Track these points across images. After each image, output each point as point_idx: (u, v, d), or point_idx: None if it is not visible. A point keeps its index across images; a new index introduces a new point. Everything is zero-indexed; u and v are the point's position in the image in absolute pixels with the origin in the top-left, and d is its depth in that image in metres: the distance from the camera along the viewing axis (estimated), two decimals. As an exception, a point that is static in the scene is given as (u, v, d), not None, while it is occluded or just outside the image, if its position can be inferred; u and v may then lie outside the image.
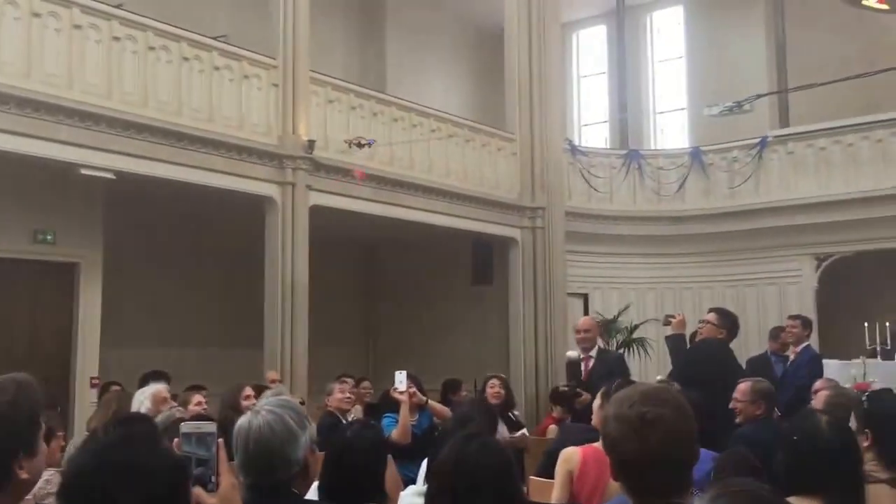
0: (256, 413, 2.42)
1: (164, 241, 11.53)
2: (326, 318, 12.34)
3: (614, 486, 3.52)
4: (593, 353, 7.72)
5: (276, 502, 2.19)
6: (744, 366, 8.33)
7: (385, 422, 6.74)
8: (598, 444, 3.76)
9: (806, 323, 8.44)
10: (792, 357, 8.38)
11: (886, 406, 3.33)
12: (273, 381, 8.54)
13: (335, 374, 9.09)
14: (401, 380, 6.58)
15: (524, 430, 7.86)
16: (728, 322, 6.93)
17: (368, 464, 3.00)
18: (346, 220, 11.42)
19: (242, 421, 2.41)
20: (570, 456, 3.76)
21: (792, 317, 8.70)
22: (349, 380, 9.36)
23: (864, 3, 15.98)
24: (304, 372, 9.96)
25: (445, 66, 16.08)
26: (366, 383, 10.23)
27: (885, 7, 15.81)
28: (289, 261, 9.99)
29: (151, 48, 9.07)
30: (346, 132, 10.99)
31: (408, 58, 15.11)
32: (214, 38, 9.86)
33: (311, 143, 10.18)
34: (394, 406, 6.79)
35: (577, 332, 7.89)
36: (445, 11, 15.69)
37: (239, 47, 10.01)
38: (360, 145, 10.56)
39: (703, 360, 6.61)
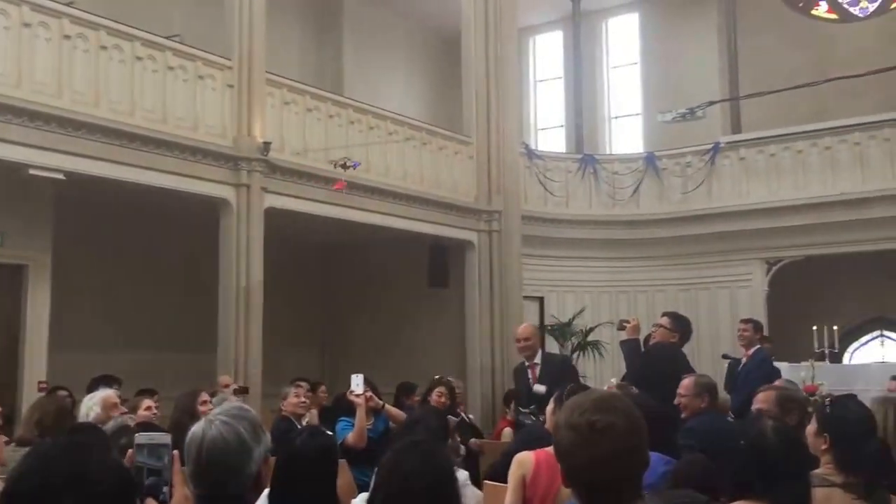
0: (210, 423, 2.33)
1: (116, 243, 11.33)
2: (282, 322, 12.26)
3: (566, 491, 3.56)
4: (538, 359, 7.60)
5: None
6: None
7: (340, 426, 6.70)
8: (550, 448, 3.78)
9: (757, 326, 8.55)
10: (744, 360, 8.43)
11: (849, 412, 3.37)
12: (226, 386, 8.44)
13: (291, 378, 9.03)
14: (357, 383, 6.54)
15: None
16: (681, 326, 7.01)
17: (318, 472, 2.98)
18: (301, 223, 11.34)
19: (196, 430, 2.33)
20: (524, 460, 3.77)
21: (744, 320, 8.80)
22: (304, 384, 9.31)
23: (813, 13, 16.33)
24: (258, 376, 9.86)
25: (403, 68, 16.05)
26: (322, 388, 10.19)
27: (834, 17, 16.17)
28: (243, 263, 9.89)
29: (103, 47, 8.91)
30: (302, 134, 10.92)
31: (365, 60, 15.06)
32: (168, 38, 9.73)
33: (267, 145, 10.08)
34: (349, 410, 6.75)
35: (518, 340, 7.73)
36: (403, 14, 15.67)
37: (193, 47, 9.89)
38: (344, 167, 10.42)
39: (657, 364, 6.68)
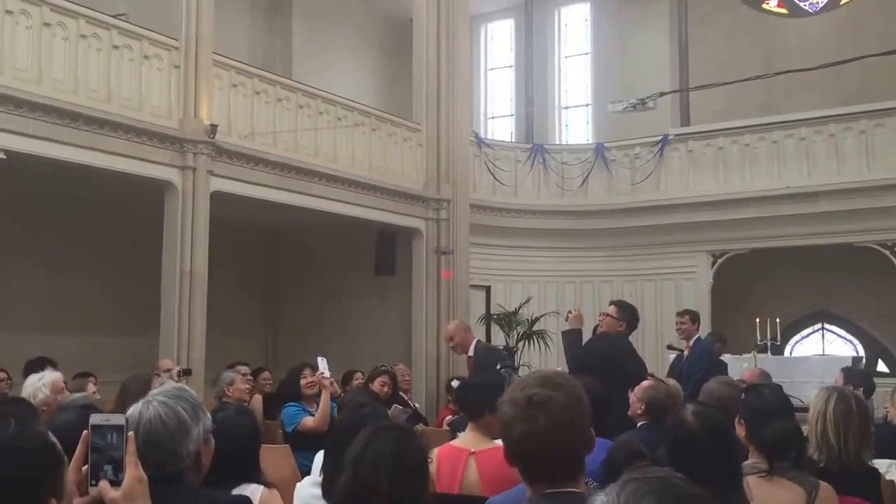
0: (148, 403, 2.35)
1: (57, 224, 11.21)
2: (226, 307, 12.22)
3: (471, 480, 3.66)
4: (471, 351, 7.74)
5: (165, 494, 2.19)
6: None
7: (291, 411, 6.76)
8: (455, 442, 3.91)
9: (694, 317, 8.63)
10: (686, 352, 8.54)
11: (764, 399, 3.52)
12: (168, 370, 8.44)
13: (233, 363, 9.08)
14: (324, 365, 6.62)
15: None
16: (627, 315, 7.15)
17: (237, 446, 3.09)
18: (248, 208, 11.34)
19: (133, 410, 2.35)
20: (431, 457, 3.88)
21: (680, 313, 8.90)
22: (244, 367, 9.34)
23: (764, 7, 16.71)
24: (201, 361, 9.87)
25: (353, 54, 16.05)
26: (265, 374, 10.21)
27: (784, 12, 16.56)
28: (188, 247, 9.87)
29: (47, 24, 8.82)
30: (250, 117, 10.92)
31: (315, 45, 15.03)
32: (114, 17, 9.66)
33: (214, 128, 10.07)
34: (296, 396, 6.83)
35: (446, 340, 7.93)
36: (354, -1, 15.70)
37: (139, 26, 9.83)
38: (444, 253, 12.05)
39: (601, 353, 6.84)
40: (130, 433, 1.98)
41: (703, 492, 1.38)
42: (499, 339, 13.99)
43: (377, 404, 4.26)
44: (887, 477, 4.15)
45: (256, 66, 11.68)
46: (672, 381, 5.20)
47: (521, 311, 14.15)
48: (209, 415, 2.47)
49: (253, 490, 3.09)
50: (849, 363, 10.78)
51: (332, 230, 13.39)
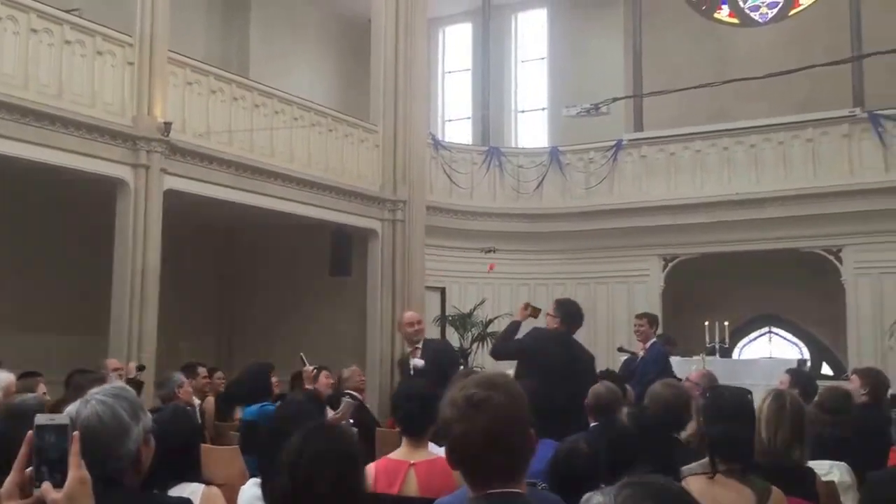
0: (86, 402, 2.29)
1: (3, 221, 10.94)
2: (179, 306, 12.08)
3: (410, 488, 3.63)
4: (419, 345, 7.69)
5: (105, 494, 2.13)
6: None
7: (258, 409, 6.67)
8: (393, 455, 3.88)
9: (653, 320, 8.71)
10: (641, 354, 8.55)
11: (724, 401, 3.54)
12: (115, 370, 8.29)
13: (185, 363, 8.96)
14: (306, 360, 6.84)
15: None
16: (561, 311, 7.06)
17: (176, 447, 3.08)
18: (202, 206, 11.20)
19: (71, 409, 2.28)
20: (367, 472, 3.84)
21: (639, 315, 9.01)
22: (202, 368, 9.22)
23: (716, 17, 16.92)
24: (152, 361, 9.70)
25: (311, 54, 15.95)
26: (219, 374, 10.09)
27: (735, 22, 16.78)
28: (140, 246, 9.71)
29: (-3, 18, 8.64)
30: (205, 116, 10.79)
31: (272, 44, 14.90)
32: (67, 12, 9.47)
33: (168, 126, 9.92)
34: (254, 396, 6.72)
35: (410, 324, 7.71)
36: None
37: (93, 22, 9.65)
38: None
39: (531, 349, 6.89)
40: (76, 433, 1.93)
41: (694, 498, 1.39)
42: (453, 340, 13.96)
43: (311, 404, 4.20)
44: (829, 477, 4.19)
45: (212, 65, 11.53)
46: (608, 384, 5.18)
47: (475, 313, 14.14)
48: (149, 414, 2.41)
49: (194, 490, 3.06)
50: (794, 365, 10.90)
51: (288, 230, 13.27)
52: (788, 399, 3.61)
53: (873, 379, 5.58)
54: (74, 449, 1.88)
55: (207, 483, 3.17)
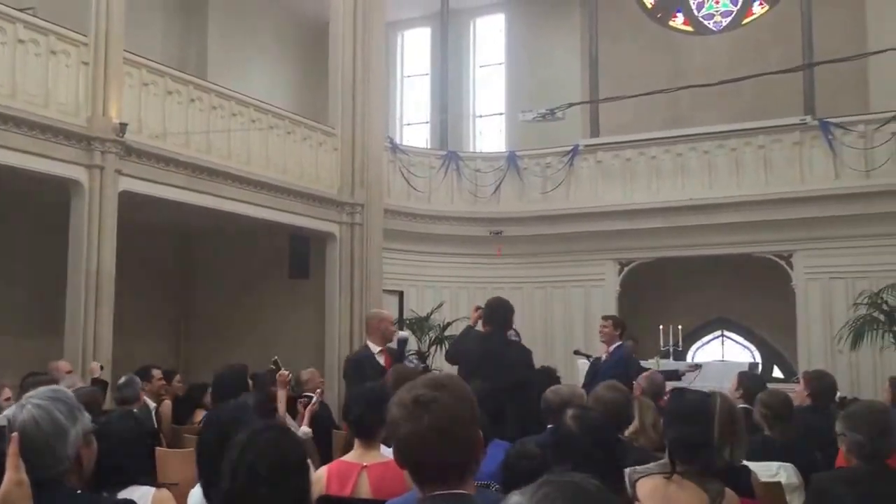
0: (22, 406, 2.27)
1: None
2: (136, 309, 11.94)
3: (362, 490, 3.64)
4: (394, 342, 7.75)
5: (45, 498, 2.09)
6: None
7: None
8: (346, 458, 3.89)
9: (618, 323, 8.53)
10: (604, 357, 8.49)
11: (683, 403, 3.59)
12: (69, 373, 8.17)
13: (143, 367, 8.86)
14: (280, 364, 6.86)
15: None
16: (485, 313, 7.06)
17: (123, 449, 3.09)
18: (159, 208, 11.08)
19: (7, 413, 2.28)
20: (318, 478, 3.84)
21: (605, 317, 8.91)
22: (157, 371, 9.12)
23: (671, 24, 17.12)
24: (108, 364, 9.56)
25: (270, 56, 15.86)
26: (177, 377, 10.02)
27: (690, 30, 16.99)
28: (94, 247, 9.57)
29: (-52, 15, 8.48)
30: (162, 117, 10.67)
31: (231, 46, 14.79)
32: (21, 10, 9.32)
33: (123, 126, 9.79)
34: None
35: (391, 322, 7.77)
36: (271, 1, 15.48)
37: (47, 21, 9.50)
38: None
39: (454, 351, 7.21)
40: (14, 434, 1.91)
41: (615, 497, 1.40)
42: (410, 343, 13.93)
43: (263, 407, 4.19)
44: (776, 479, 4.26)
45: (169, 66, 11.41)
46: (562, 387, 5.23)
47: (432, 317, 14.14)
48: (87, 415, 2.38)
49: (144, 492, 3.06)
50: (745, 368, 11.05)
51: (246, 232, 13.19)
52: (718, 399, 3.68)
53: (816, 382, 5.66)
54: (12, 451, 1.88)
55: (159, 486, 3.17)
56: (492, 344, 6.84)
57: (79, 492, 2.35)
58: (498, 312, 6.90)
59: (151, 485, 3.18)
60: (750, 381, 6.03)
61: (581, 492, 1.35)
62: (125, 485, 3.07)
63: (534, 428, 4.60)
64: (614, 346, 8.33)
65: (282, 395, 6.78)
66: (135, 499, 2.86)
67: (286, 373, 6.86)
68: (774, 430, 4.61)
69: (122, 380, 7.14)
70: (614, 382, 4.79)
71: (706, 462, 3.35)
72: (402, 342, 8.05)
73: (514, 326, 7.42)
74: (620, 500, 1.34)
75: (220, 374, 6.35)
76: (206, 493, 2.98)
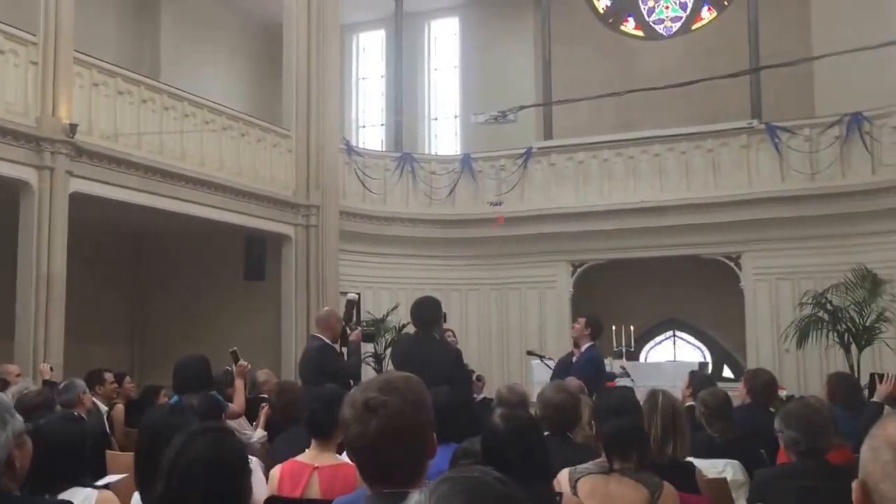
0: None
1: None
2: (89, 311, 11.76)
3: (313, 489, 3.65)
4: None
5: None
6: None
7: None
8: (300, 458, 3.89)
9: (589, 322, 8.13)
10: (575, 358, 8.21)
11: (610, 401, 3.63)
12: (18, 376, 8.02)
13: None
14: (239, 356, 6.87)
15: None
16: (414, 315, 6.96)
17: (64, 452, 3.07)
18: (112, 209, 10.93)
19: None
20: (271, 478, 3.84)
21: (580, 316, 8.69)
22: (109, 374, 8.96)
23: (622, 29, 17.27)
24: (59, 368, 9.39)
25: (224, 57, 15.71)
26: (128, 379, 9.86)
27: (640, 34, 17.15)
28: (45, 250, 9.42)
29: None
30: (113, 118, 10.53)
31: (184, 47, 14.63)
32: (-34, 9, 9.16)
33: (73, 127, 9.65)
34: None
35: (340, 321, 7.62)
36: (225, 3, 15.35)
37: (-6, 20, 9.35)
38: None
39: (391, 352, 7.31)
40: None
41: (519, 492, 1.36)
42: (366, 346, 13.89)
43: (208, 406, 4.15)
44: (723, 475, 4.32)
45: (121, 66, 11.26)
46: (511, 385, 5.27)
47: (388, 319, 14.08)
48: (20, 417, 2.35)
49: (87, 495, 3.04)
50: (696, 368, 11.16)
51: (201, 234, 13.05)
52: (661, 397, 3.73)
53: (753, 380, 5.74)
54: None
55: (102, 489, 3.15)
56: (411, 345, 6.83)
57: (15, 493, 2.31)
58: (417, 312, 6.86)
59: (96, 487, 3.15)
60: (699, 380, 6.11)
61: (482, 486, 1.33)
62: (67, 486, 3.04)
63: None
64: (585, 346, 8.00)
65: (240, 385, 6.72)
66: (77, 501, 2.83)
67: (245, 363, 6.81)
68: (714, 428, 4.68)
69: (62, 384, 7.01)
70: (561, 383, 4.82)
71: (641, 456, 3.41)
72: (351, 304, 8.04)
73: (444, 324, 7.37)
74: (529, 496, 1.37)
75: (183, 364, 6.29)
76: (143, 496, 2.95)
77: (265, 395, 8.02)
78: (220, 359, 11.62)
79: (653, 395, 3.91)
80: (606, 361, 11.68)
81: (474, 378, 7.62)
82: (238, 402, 6.69)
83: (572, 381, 6.89)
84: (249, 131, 12.71)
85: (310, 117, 13.45)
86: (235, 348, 6.95)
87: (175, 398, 6.30)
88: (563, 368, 8.25)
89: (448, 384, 5.62)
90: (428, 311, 6.73)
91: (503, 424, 3.02)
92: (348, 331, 7.38)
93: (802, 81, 14.45)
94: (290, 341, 13.04)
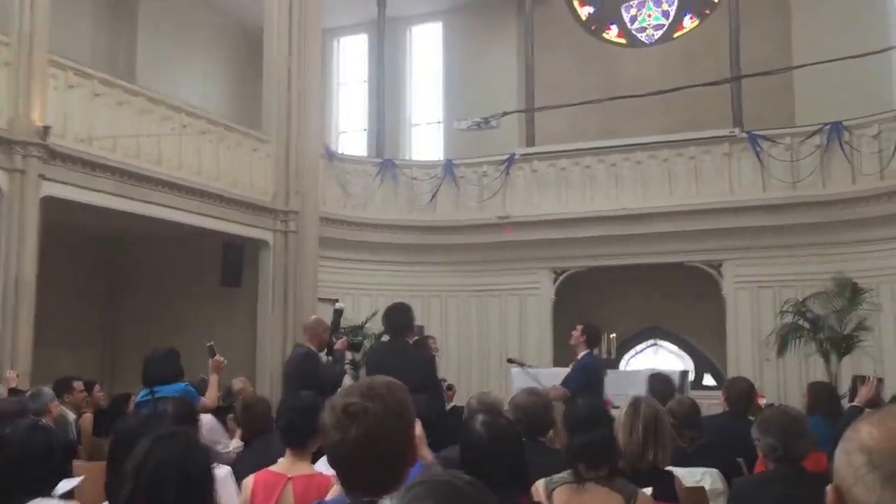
0: None
1: None
2: (61, 317, 11.62)
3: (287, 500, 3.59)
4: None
5: None
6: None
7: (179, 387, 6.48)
8: (273, 468, 3.83)
9: (585, 330, 8.01)
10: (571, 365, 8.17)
11: (579, 409, 3.59)
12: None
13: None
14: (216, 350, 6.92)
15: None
16: (385, 322, 7.03)
17: (29, 462, 3.02)
18: (86, 214, 10.80)
19: None
20: (244, 486, 3.79)
21: (580, 323, 8.61)
22: (78, 382, 8.82)
23: (605, 36, 17.28)
24: (27, 375, 9.24)
25: (203, 60, 15.61)
26: (97, 388, 9.70)
27: (623, 42, 17.18)
28: (14, 254, 9.28)
29: None
30: (88, 120, 10.40)
31: (162, 50, 14.52)
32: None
33: (46, 130, 9.52)
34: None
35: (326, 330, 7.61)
36: (204, 5, 15.25)
37: (-34, 21, 9.22)
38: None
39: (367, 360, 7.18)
40: None
41: (490, 495, 1.37)
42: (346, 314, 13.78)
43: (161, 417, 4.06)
44: (701, 483, 4.27)
45: (97, 68, 11.14)
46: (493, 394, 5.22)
47: (367, 325, 13.96)
48: None
49: None
50: (676, 377, 11.09)
51: (177, 239, 12.91)
52: (643, 404, 3.70)
53: (731, 388, 5.70)
54: None
55: (68, 498, 3.09)
56: (384, 352, 6.82)
57: None
58: (388, 319, 6.84)
59: (62, 497, 3.08)
60: (659, 385, 6.05)
61: (452, 489, 1.34)
62: (31, 497, 2.98)
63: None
64: (581, 353, 7.91)
65: (214, 380, 6.74)
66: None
67: (221, 358, 6.84)
68: (683, 438, 4.63)
69: (29, 392, 6.89)
70: (534, 388, 4.77)
71: (612, 464, 3.38)
72: (338, 313, 8.10)
73: (425, 332, 7.37)
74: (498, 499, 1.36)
75: (152, 357, 6.22)
76: (110, 500, 2.91)
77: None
78: (195, 367, 11.55)
79: (635, 401, 3.88)
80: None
81: (444, 387, 7.56)
82: (211, 396, 6.69)
83: (556, 390, 6.84)
84: (228, 135, 12.60)
85: (290, 122, 13.37)
86: (213, 342, 7.01)
87: (144, 392, 6.27)
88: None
89: (422, 391, 5.58)
90: (399, 318, 6.70)
91: (485, 431, 2.97)
92: (334, 340, 7.41)
93: (783, 91, 14.50)
94: (266, 349, 12.94)
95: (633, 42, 17.09)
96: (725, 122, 13.99)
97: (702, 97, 13.61)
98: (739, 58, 13.81)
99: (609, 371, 12.53)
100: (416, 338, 7.87)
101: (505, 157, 15.12)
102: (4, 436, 3.08)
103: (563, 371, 10.88)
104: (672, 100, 13.24)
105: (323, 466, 3.74)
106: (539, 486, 3.41)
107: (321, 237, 13.88)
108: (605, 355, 12.95)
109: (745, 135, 13.67)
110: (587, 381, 7.58)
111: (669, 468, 3.88)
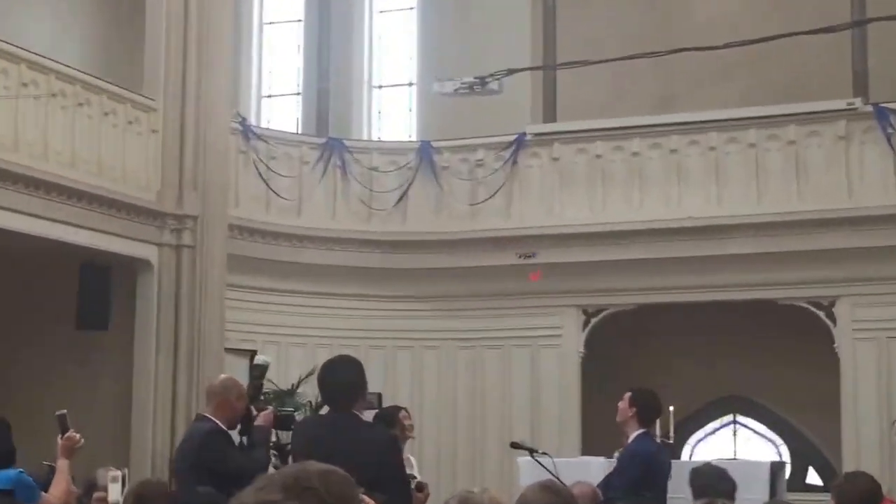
0: None
1: None
2: None
3: None
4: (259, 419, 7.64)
5: None
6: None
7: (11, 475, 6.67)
8: None
9: (635, 399, 8.35)
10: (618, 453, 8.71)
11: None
12: None
13: None
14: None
15: None
16: (323, 386, 7.07)
17: None
18: None
19: None
20: None
21: (628, 390, 8.65)
22: None
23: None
24: None
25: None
26: None
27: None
28: None
29: None
30: None
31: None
32: None
33: None
34: None
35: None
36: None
37: None
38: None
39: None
40: None
41: None
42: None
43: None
44: None
45: None
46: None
47: (301, 390, 13.88)
48: None
49: None
50: (766, 471, 11.04)
51: (13, 258, 12.77)
52: None
53: (844, 489, 5.69)
54: None
55: None
56: (319, 429, 6.80)
57: None
58: (327, 380, 6.69)
59: None
60: (703, 480, 6.06)
61: None
62: None
63: None
64: (633, 434, 8.21)
65: (63, 466, 6.81)
66: None
67: (76, 435, 6.92)
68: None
69: None
70: (552, 481, 4.69)
71: None
72: (259, 370, 8.82)
73: (368, 399, 7.40)
74: None
75: None
76: None
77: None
78: (39, 443, 11.45)
79: None
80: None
81: (413, 486, 7.50)
82: (58, 491, 6.75)
83: (581, 486, 6.78)
84: (91, 99, 12.60)
85: (186, 81, 13.44)
86: (64, 411, 7.13)
87: None
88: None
89: (378, 490, 5.48)
90: (342, 377, 6.56)
91: None
92: (254, 411, 7.43)
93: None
94: (145, 420, 12.95)
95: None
96: (842, 91, 14.00)
97: (806, 52, 13.62)
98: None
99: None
100: (374, 410, 7.83)
101: (511, 137, 15.11)
102: None
103: (596, 462, 10.97)
104: (762, 56, 13.24)
105: None
106: None
107: (232, 255, 13.85)
108: (659, 438, 12.93)
109: (870, 108, 13.71)
110: (640, 474, 7.60)
111: None
